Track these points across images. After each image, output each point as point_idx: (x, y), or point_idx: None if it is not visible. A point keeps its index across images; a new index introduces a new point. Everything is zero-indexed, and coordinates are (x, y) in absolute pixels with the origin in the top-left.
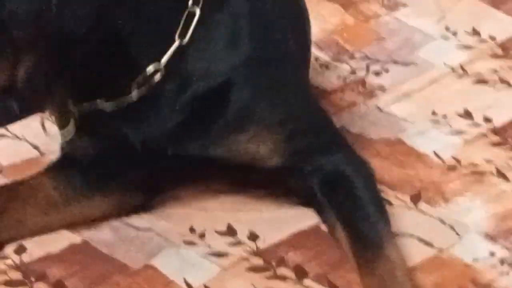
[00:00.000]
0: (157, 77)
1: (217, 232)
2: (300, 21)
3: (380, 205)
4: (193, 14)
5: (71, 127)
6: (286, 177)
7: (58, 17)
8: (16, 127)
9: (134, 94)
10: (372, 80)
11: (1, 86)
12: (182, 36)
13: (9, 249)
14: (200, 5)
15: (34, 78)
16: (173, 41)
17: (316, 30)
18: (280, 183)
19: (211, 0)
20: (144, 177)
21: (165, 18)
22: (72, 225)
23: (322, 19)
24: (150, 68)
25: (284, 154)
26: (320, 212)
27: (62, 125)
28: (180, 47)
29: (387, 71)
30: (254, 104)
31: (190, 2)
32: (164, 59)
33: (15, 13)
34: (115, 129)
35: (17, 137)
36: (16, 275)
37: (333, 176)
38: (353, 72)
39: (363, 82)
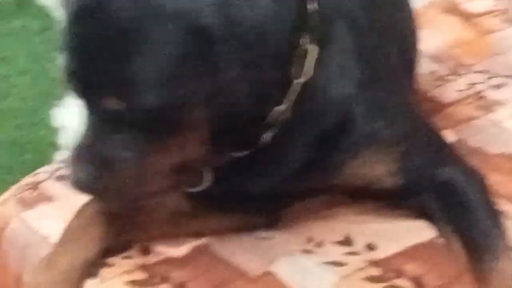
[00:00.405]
0: (283, 119)
1: (334, 242)
2: (406, 35)
3: (495, 216)
4: (305, 51)
5: (207, 181)
6: (401, 194)
7: (231, 96)
8: None
9: (266, 137)
10: (490, 94)
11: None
12: (298, 74)
13: (134, 250)
14: (313, 41)
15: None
16: (291, 81)
17: (434, 43)
18: (396, 199)
19: (320, 35)
20: (266, 204)
21: (280, 58)
22: (197, 236)
23: (441, 32)
24: (276, 112)
25: (401, 172)
26: (435, 224)
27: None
28: (300, 85)
29: (506, 85)
30: (373, 128)
31: (303, 40)
32: (288, 100)
33: (192, 97)
34: (243, 173)
35: None
36: (141, 276)
37: (447, 189)
38: (471, 85)
39: (481, 96)
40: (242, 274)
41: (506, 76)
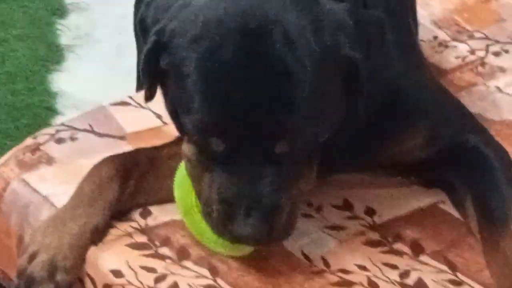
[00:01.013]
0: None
1: (333, 206)
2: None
3: None
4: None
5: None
6: (431, 164)
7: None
8: (140, 96)
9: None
10: (491, 60)
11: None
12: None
13: (135, 212)
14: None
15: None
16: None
17: (436, 9)
18: (425, 171)
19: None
20: None
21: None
22: None
23: None
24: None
25: (433, 142)
26: (449, 188)
27: None
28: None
29: (507, 52)
30: (415, 102)
31: None
32: None
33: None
34: None
35: (141, 106)
36: (141, 239)
37: (472, 155)
38: (472, 52)
39: (482, 63)
40: None
41: (508, 43)
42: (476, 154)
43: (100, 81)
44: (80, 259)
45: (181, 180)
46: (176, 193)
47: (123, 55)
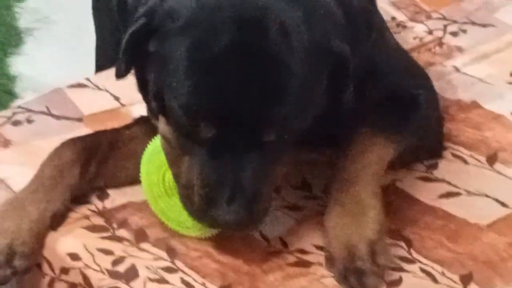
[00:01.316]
0: None
1: (292, 186)
2: None
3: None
4: None
5: None
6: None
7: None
8: (98, 78)
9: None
10: (449, 41)
11: None
12: None
13: (93, 196)
14: None
15: None
16: None
17: None
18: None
19: None
20: None
21: None
22: None
23: None
24: None
25: (391, 95)
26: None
27: None
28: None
29: (465, 32)
30: (382, 66)
31: None
32: None
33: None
34: None
35: (99, 87)
36: (99, 221)
37: (411, 106)
38: (430, 32)
39: (440, 43)
40: None
41: (465, 23)
42: (413, 105)
43: (59, 64)
44: (39, 244)
45: (148, 158)
46: (142, 171)
47: (82, 37)
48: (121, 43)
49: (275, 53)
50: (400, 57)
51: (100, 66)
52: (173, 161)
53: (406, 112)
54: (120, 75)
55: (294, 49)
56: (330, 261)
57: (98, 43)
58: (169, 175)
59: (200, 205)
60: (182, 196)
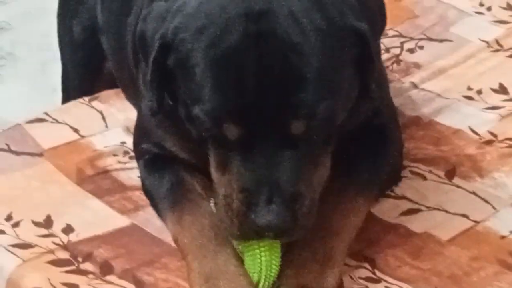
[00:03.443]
0: None
1: None
2: None
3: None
4: None
5: None
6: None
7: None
8: (56, 112)
9: None
10: (406, 57)
11: None
12: None
13: (57, 229)
14: None
15: None
16: None
17: None
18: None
19: None
20: None
21: None
22: None
23: None
24: None
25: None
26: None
27: None
28: None
29: (421, 48)
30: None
31: None
32: None
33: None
34: None
35: (57, 121)
36: (63, 255)
37: (380, 135)
38: (387, 50)
39: (397, 60)
40: (171, 252)
41: (421, 39)
42: (383, 136)
43: (24, 100)
44: None
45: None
46: None
47: (47, 73)
48: (146, 79)
49: (288, 39)
50: (385, 80)
51: (67, 99)
52: (218, 177)
53: (378, 153)
54: (154, 112)
55: (307, 32)
56: None
57: (63, 77)
58: None
59: (239, 210)
60: (222, 206)
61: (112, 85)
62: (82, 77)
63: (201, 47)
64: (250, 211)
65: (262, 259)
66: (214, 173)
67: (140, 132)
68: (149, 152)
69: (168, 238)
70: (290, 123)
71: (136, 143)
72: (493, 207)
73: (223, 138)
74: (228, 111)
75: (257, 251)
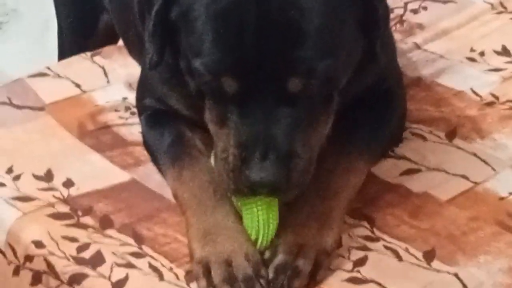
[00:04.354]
0: None
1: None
2: None
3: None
4: None
5: None
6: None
7: None
8: (58, 66)
9: None
10: (410, 18)
11: None
12: None
13: (57, 182)
14: None
15: None
16: None
17: None
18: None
19: None
20: None
21: None
22: None
23: None
24: None
25: (376, 84)
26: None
27: None
28: None
29: (425, 9)
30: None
31: None
32: None
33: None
34: None
35: (59, 76)
36: (63, 209)
37: (384, 101)
38: (390, 10)
39: (401, 20)
40: (170, 207)
41: (424, 0)
42: (387, 100)
43: (27, 57)
44: None
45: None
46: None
47: (51, 29)
48: (146, 32)
49: None
50: (392, 45)
51: (63, 54)
52: (216, 133)
53: (381, 117)
54: (153, 64)
55: None
56: (273, 250)
57: (59, 32)
58: None
59: (234, 165)
60: (219, 160)
61: (108, 39)
62: (77, 31)
63: (203, 0)
64: (244, 166)
65: (260, 217)
66: (212, 128)
67: (144, 88)
68: (152, 108)
69: (168, 193)
70: (288, 79)
71: (138, 98)
72: (493, 169)
73: (221, 92)
74: (227, 64)
75: (255, 209)
